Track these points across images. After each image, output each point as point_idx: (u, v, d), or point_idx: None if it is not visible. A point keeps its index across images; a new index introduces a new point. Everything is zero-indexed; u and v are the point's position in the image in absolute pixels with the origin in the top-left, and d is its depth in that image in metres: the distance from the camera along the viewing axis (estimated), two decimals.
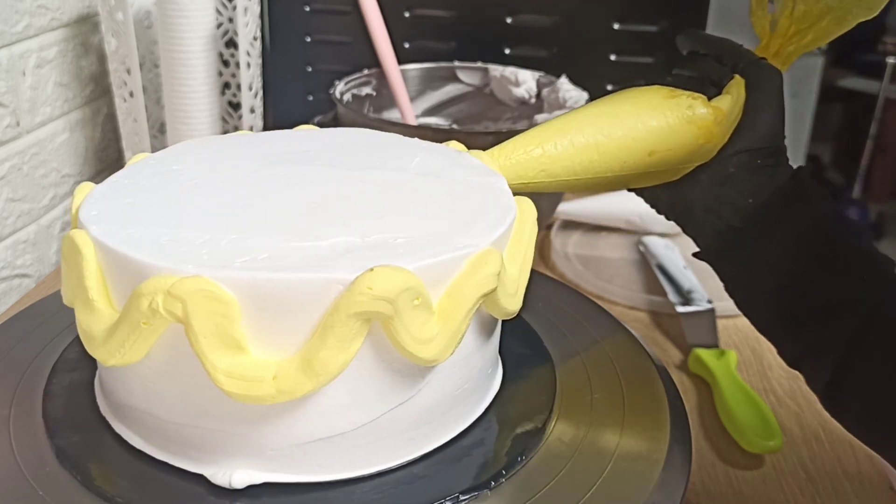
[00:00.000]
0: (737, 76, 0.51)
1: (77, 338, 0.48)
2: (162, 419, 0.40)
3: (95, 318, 0.38)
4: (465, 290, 0.38)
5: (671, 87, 0.52)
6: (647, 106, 0.50)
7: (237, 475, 0.39)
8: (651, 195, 0.55)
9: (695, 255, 0.53)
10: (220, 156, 0.48)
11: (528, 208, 0.44)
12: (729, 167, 0.50)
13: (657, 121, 0.50)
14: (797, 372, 0.48)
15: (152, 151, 0.49)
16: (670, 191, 0.53)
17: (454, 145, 0.52)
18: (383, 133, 0.53)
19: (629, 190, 0.56)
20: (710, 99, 0.51)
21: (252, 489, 0.39)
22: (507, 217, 0.42)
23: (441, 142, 0.52)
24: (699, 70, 0.53)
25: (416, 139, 0.52)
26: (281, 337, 0.36)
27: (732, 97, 0.51)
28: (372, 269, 0.35)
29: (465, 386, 0.42)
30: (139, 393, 0.40)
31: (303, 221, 0.40)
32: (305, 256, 0.37)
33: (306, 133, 0.53)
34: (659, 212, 0.55)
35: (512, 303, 0.42)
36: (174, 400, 0.39)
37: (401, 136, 0.53)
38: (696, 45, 0.54)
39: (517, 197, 0.45)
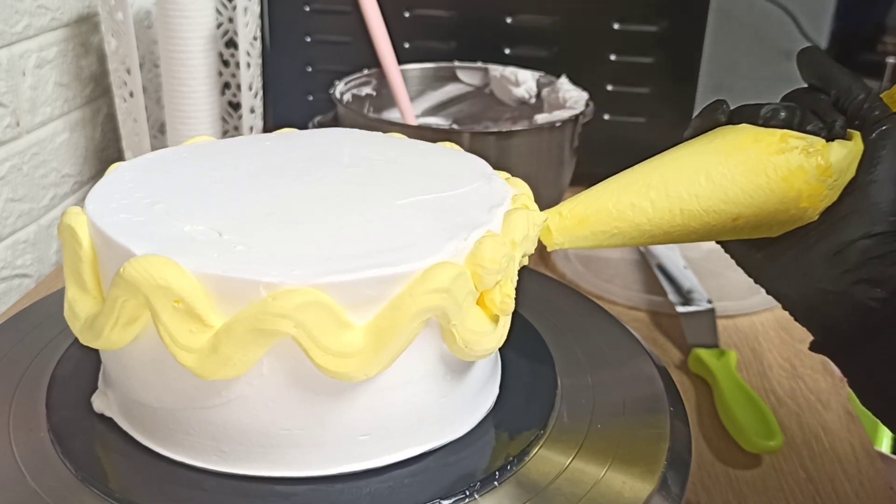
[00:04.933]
0: (855, 133, 0.44)
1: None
2: (154, 408, 0.40)
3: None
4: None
5: (784, 133, 0.43)
6: (748, 162, 0.43)
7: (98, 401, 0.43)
8: (756, 274, 0.48)
9: (811, 347, 0.47)
10: (219, 156, 0.49)
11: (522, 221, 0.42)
12: (850, 254, 0.43)
13: (756, 181, 0.43)
14: None
15: (152, 151, 0.50)
16: (778, 274, 0.46)
17: (449, 146, 0.51)
18: (383, 135, 0.53)
19: (734, 260, 0.50)
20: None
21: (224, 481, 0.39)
22: (477, 234, 0.40)
23: (441, 142, 0.52)
24: (808, 105, 0.45)
25: (413, 140, 0.52)
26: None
27: (848, 150, 0.43)
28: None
29: (462, 388, 0.42)
30: (124, 379, 0.41)
31: (263, 226, 0.40)
32: (237, 259, 0.37)
33: (304, 136, 0.53)
34: (766, 290, 0.48)
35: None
36: (160, 387, 0.40)
37: (400, 138, 0.53)
38: (820, 79, 0.45)
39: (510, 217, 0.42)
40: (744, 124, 0.45)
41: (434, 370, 0.40)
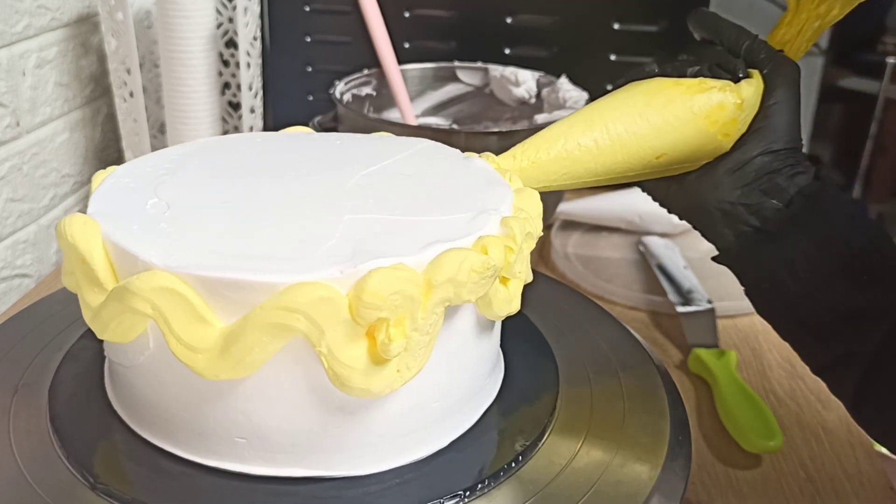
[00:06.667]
0: (754, 71, 0.50)
1: (80, 337, 0.49)
2: (158, 406, 0.41)
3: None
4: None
5: (701, 79, 0.50)
6: (674, 102, 0.48)
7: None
8: (664, 197, 0.54)
9: (714, 258, 0.52)
10: (228, 158, 0.49)
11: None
12: (750, 169, 0.48)
13: (683, 116, 0.48)
14: (821, 379, 0.48)
15: (152, 151, 0.50)
16: (686, 193, 0.51)
17: (488, 158, 0.48)
18: (415, 140, 0.52)
19: (644, 191, 0.55)
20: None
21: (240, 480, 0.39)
22: (377, 263, 0.36)
23: (441, 142, 0.52)
24: (709, 58, 0.51)
25: (448, 152, 0.50)
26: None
27: (754, 88, 0.49)
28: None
29: (462, 389, 0.42)
30: (140, 383, 0.41)
31: (260, 226, 0.40)
32: (231, 257, 0.37)
33: (301, 137, 0.53)
34: (671, 212, 0.54)
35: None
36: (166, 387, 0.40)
37: (436, 146, 0.51)
38: (710, 33, 0.52)
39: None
40: (660, 77, 0.51)
41: (466, 351, 0.41)
